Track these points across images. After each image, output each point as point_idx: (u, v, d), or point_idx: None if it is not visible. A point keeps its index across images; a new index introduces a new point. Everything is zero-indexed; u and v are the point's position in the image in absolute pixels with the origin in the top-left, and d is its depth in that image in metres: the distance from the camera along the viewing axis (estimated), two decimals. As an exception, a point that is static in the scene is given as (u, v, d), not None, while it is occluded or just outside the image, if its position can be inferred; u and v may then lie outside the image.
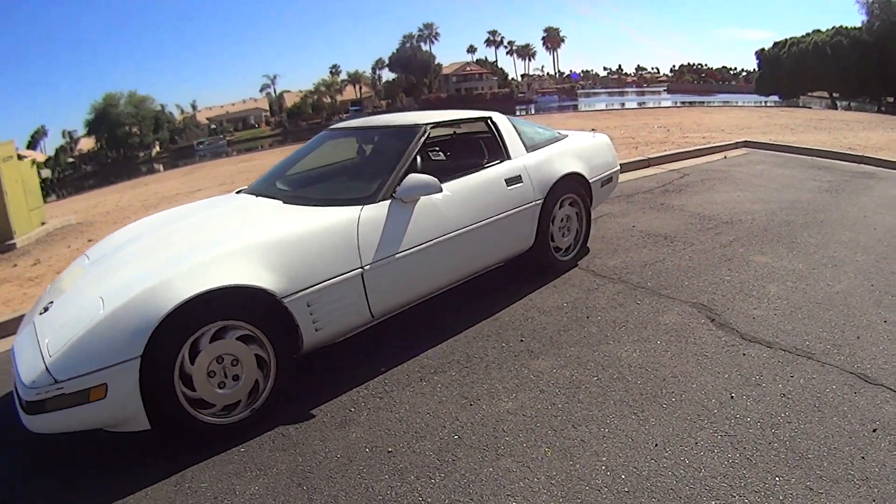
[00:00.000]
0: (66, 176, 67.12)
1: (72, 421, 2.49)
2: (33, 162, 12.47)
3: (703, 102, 43.94)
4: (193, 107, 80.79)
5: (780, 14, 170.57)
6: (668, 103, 50.89)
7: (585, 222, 4.93)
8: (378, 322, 3.50)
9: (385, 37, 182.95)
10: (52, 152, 74.27)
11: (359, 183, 3.89)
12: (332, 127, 4.94)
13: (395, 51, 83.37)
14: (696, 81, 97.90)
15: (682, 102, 48.14)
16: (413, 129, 3.99)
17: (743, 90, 68.03)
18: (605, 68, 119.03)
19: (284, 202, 3.66)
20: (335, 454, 2.67)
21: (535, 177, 4.38)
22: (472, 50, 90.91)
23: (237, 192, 4.29)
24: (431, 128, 4.08)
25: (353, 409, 3.03)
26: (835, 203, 6.44)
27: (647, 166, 9.36)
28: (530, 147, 4.58)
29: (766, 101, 44.73)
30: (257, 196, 3.94)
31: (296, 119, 77.40)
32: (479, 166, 4.20)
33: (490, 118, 4.58)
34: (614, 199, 7.10)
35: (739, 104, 37.53)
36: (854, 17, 67.18)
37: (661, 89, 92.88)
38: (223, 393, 2.76)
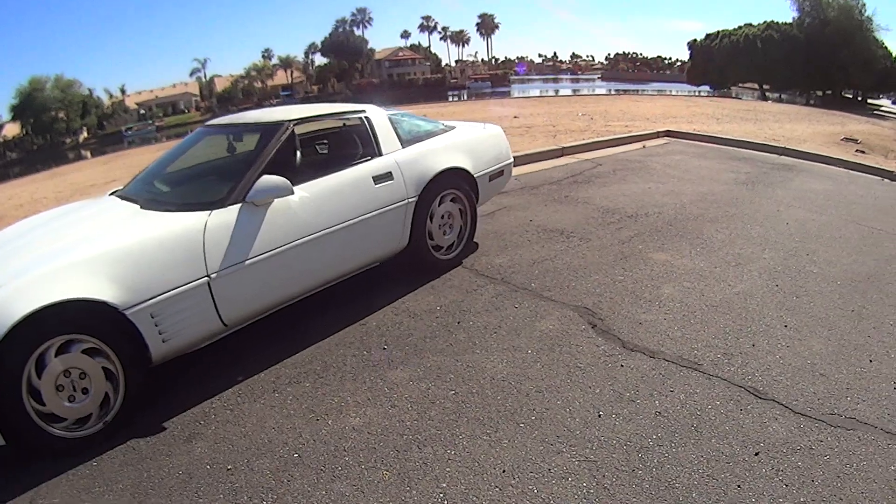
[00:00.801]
0: None
1: None
2: None
3: (636, 91, 45.05)
4: (122, 91, 78.33)
5: (714, 7, 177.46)
6: (602, 91, 51.93)
7: (470, 219, 4.64)
8: (238, 329, 3.39)
9: (318, 21, 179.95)
10: None
11: (213, 185, 3.72)
12: (207, 123, 4.59)
13: (327, 35, 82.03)
14: (631, 70, 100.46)
15: (616, 90, 49.25)
16: (274, 127, 3.78)
17: (677, 79, 70.17)
18: (539, 55, 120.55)
19: (142, 206, 3.49)
20: (177, 470, 2.57)
21: (409, 173, 4.13)
22: (405, 35, 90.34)
23: (110, 194, 4.07)
24: (295, 125, 3.85)
25: (202, 422, 2.91)
26: (749, 196, 6.41)
27: (561, 156, 9.22)
28: (407, 142, 4.31)
29: (698, 91, 46.39)
30: (122, 199, 3.78)
31: (226, 104, 74.93)
32: (346, 164, 3.96)
33: (363, 112, 4.29)
34: (516, 191, 6.90)
35: (673, 93, 38.68)
36: (785, 14, 70.73)
37: (596, 77, 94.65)
38: (73, 406, 2.73)
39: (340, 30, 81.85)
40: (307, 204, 3.56)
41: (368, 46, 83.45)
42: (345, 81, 78.86)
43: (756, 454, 2.33)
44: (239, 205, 3.30)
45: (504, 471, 2.32)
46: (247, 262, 3.22)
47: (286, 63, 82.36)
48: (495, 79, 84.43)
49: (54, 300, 2.58)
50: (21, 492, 2.55)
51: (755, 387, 2.77)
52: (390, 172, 4.04)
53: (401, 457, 2.48)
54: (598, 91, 51.62)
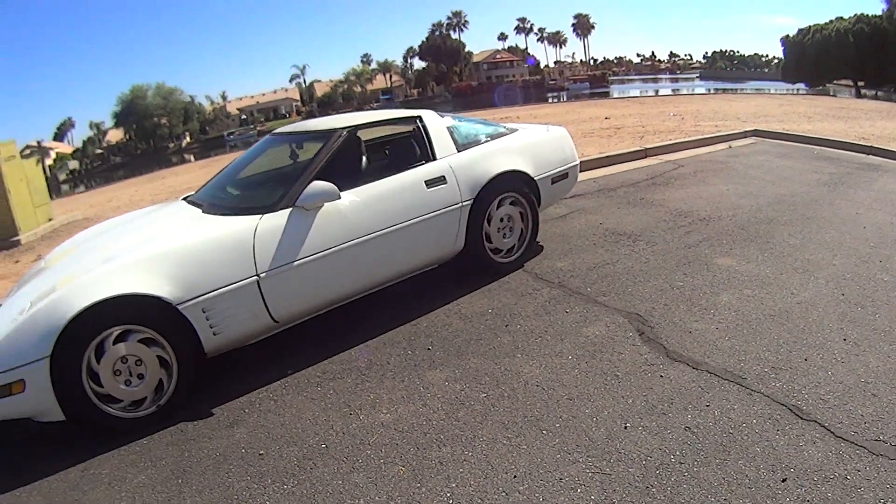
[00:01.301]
0: (95, 167, 68.13)
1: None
2: (38, 161, 12.73)
3: (734, 90, 42.53)
4: (223, 97, 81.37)
5: (808, 1, 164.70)
6: (702, 90, 49.40)
7: (531, 222, 4.49)
8: (293, 325, 3.51)
9: (415, 26, 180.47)
10: (79, 144, 75.21)
11: (268, 191, 3.80)
12: (274, 131, 4.70)
13: (424, 39, 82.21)
14: (728, 68, 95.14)
15: (716, 89, 46.74)
16: (327, 135, 3.83)
17: (774, 78, 65.79)
18: (637, 55, 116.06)
19: (203, 210, 3.67)
20: (215, 452, 2.69)
21: (464, 177, 4.05)
22: (502, 37, 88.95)
23: (182, 198, 4.27)
24: (348, 132, 3.87)
25: (247, 410, 3.01)
26: (829, 198, 5.85)
27: (644, 157, 8.81)
28: (464, 146, 4.24)
29: (795, 89, 43.16)
30: (189, 203, 3.97)
31: (326, 109, 76.18)
32: (400, 168, 3.93)
33: (419, 118, 4.23)
34: (593, 194, 6.64)
35: (771, 92, 36.28)
36: (875, 6, 64.58)
37: (695, 76, 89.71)
38: (129, 390, 2.90)
39: (437, 34, 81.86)
40: (357, 208, 3.58)
41: (466, 49, 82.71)
42: (443, 84, 78.78)
43: (783, 480, 2.09)
44: (289, 209, 3.37)
45: (515, 476, 2.24)
46: (295, 263, 3.29)
47: (385, 67, 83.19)
48: (594, 79, 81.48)
49: (113, 294, 2.77)
50: (74, 463, 2.74)
51: (798, 405, 2.50)
52: (443, 176, 3.98)
53: (419, 454, 2.46)
54: (697, 90, 48.97)
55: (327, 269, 3.42)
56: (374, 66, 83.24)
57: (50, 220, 11.12)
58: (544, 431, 2.48)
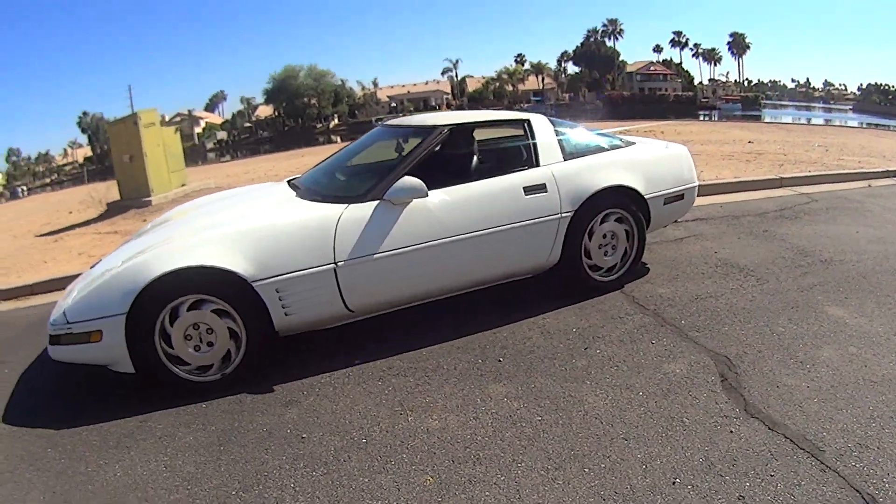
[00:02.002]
0: (243, 139, 71.58)
1: (77, 355, 2.91)
2: (177, 129, 13.32)
3: (887, 126, 37.19)
4: (375, 84, 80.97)
5: None
6: (854, 123, 43.94)
7: (637, 241, 4.08)
8: (370, 317, 3.45)
9: (570, 29, 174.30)
10: (229, 116, 79.08)
11: (361, 182, 3.67)
12: (384, 124, 4.65)
13: (579, 45, 78.87)
14: (882, 103, 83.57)
15: (867, 124, 41.25)
16: (427, 131, 3.68)
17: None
18: (792, 80, 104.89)
19: (297, 195, 3.64)
20: (262, 428, 2.71)
21: (567, 187, 3.72)
22: (657, 49, 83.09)
23: (286, 181, 4.30)
24: (450, 130, 3.71)
25: (305, 392, 3.01)
26: (977, 253, 4.93)
27: (779, 186, 7.92)
28: (571, 155, 3.90)
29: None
30: (290, 186, 3.98)
31: (476, 104, 74.68)
32: (499, 171, 3.70)
33: (528, 122, 3.97)
34: (716, 219, 6.05)
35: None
36: None
37: (848, 108, 79.82)
38: (197, 355, 2.97)
39: (591, 40, 78.10)
40: (447, 207, 3.40)
41: (619, 58, 78.35)
42: (595, 91, 75.33)
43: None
44: (376, 202, 3.26)
45: None
46: (375, 255, 3.17)
47: (538, 69, 79.71)
48: (746, 101, 74.60)
49: (190, 265, 2.83)
50: (136, 414, 2.90)
51: (873, 494, 2.06)
52: (544, 185, 3.68)
53: (452, 468, 2.32)
54: (849, 123, 43.51)
55: (407, 266, 3.28)
56: (526, 66, 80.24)
57: (183, 185, 11.72)
58: (586, 469, 2.25)
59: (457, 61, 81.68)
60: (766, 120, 39.34)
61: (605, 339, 3.36)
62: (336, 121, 73.13)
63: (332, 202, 3.31)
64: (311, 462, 2.44)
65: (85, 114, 72.06)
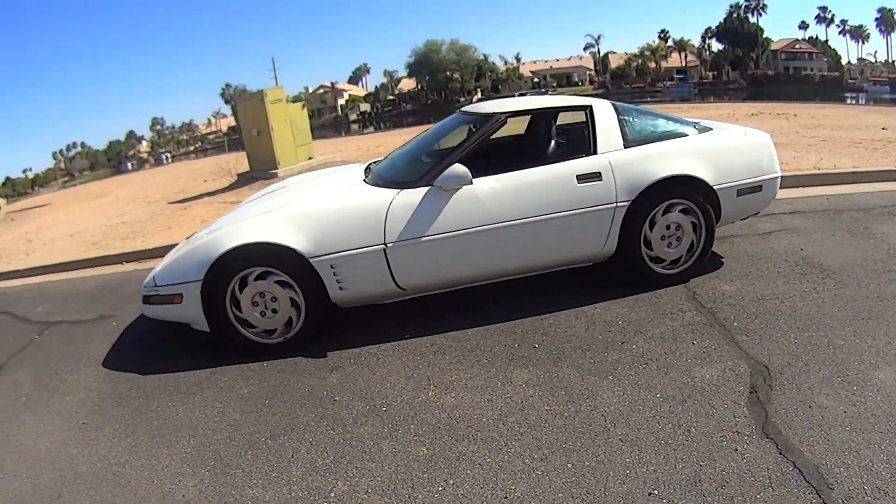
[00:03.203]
0: (386, 111, 72.77)
1: (163, 313, 3.43)
2: (303, 105, 13.83)
3: None
4: (517, 59, 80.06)
5: None
6: None
7: (705, 235, 3.82)
8: (426, 295, 3.65)
9: (714, 4, 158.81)
10: (371, 89, 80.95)
11: (419, 168, 3.77)
12: (461, 110, 4.61)
13: (721, 21, 71.48)
14: None
15: None
16: (485, 119, 3.74)
17: None
18: None
19: (364, 179, 3.90)
20: (305, 388, 3.03)
21: (624, 175, 3.57)
22: (803, 26, 72.21)
23: (367, 164, 4.46)
24: (508, 117, 3.72)
25: (351, 360, 3.30)
26: None
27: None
28: (634, 142, 3.72)
29: None
30: (364, 170, 4.20)
31: (619, 81, 72.19)
32: (555, 159, 3.65)
33: (590, 108, 3.81)
34: (815, 213, 5.45)
35: None
36: None
37: None
38: (263, 319, 3.37)
39: (734, 16, 70.41)
40: (496, 194, 3.45)
41: (763, 35, 70.16)
42: (739, 70, 68.63)
43: None
44: (426, 188, 3.41)
45: (507, 497, 2.14)
46: (423, 238, 3.33)
47: (680, 46, 74.67)
48: (894, 84, 64.30)
49: (256, 241, 3.19)
50: (208, 366, 3.36)
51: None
52: (599, 173, 3.57)
53: (448, 444, 2.48)
54: None
55: (455, 250, 3.40)
56: (669, 43, 75.27)
57: (310, 158, 12.15)
58: (569, 465, 2.28)
59: (599, 37, 78.91)
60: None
61: (647, 334, 3.26)
62: (479, 95, 72.97)
63: (389, 187, 3.50)
64: (333, 422, 2.73)
65: (228, 85, 78.55)
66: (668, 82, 66.59)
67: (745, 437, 2.39)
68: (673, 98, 45.21)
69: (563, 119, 4.30)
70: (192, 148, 77.22)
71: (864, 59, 75.05)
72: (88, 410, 3.15)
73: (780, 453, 2.29)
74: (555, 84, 74.51)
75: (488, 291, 3.86)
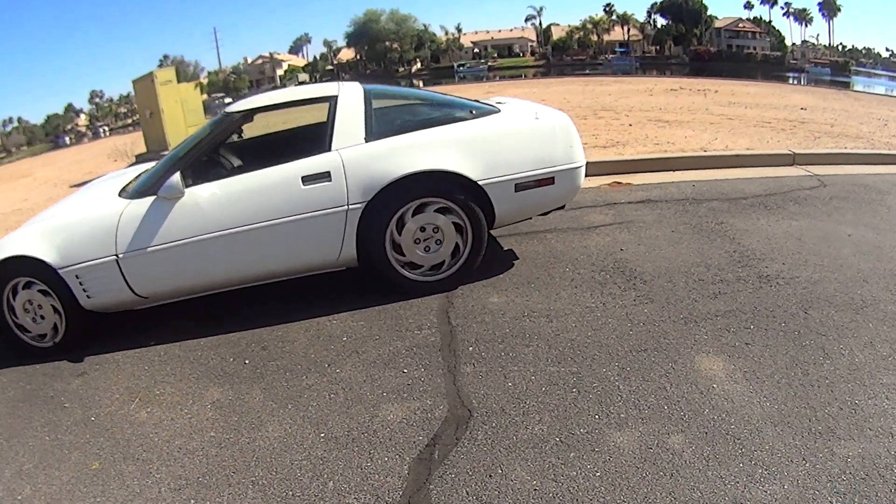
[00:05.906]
0: (324, 81, 71.51)
1: None
2: (197, 84, 14.25)
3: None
4: (458, 30, 77.12)
5: None
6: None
7: (472, 237, 3.38)
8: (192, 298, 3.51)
9: None
10: (311, 59, 77.71)
11: (155, 177, 3.50)
12: (224, 111, 4.08)
13: None
14: None
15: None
16: (220, 119, 3.60)
17: None
18: (887, 49, 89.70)
19: (119, 189, 3.70)
20: (50, 392, 3.00)
21: (357, 174, 3.20)
22: (748, 6, 71.52)
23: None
24: (242, 115, 3.53)
25: (96, 365, 3.25)
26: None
27: (791, 164, 6.42)
28: (381, 133, 3.33)
29: None
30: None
31: (560, 53, 70.58)
32: (287, 158, 3.30)
33: (335, 98, 3.43)
34: (668, 203, 4.88)
35: None
36: None
37: None
38: (35, 325, 3.34)
39: None
40: (217, 201, 3.22)
41: (707, 13, 69.23)
42: (682, 46, 68.07)
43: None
44: (152, 198, 3.26)
45: None
46: (149, 249, 3.21)
47: (624, 20, 72.37)
48: (835, 67, 65.38)
49: (14, 254, 3.19)
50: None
51: None
52: (328, 172, 3.20)
53: (116, 461, 2.37)
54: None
55: (182, 258, 3.23)
56: (614, 17, 73.07)
57: None
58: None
59: (541, 9, 76.49)
60: (857, 88, 34.18)
61: (363, 356, 2.94)
62: (418, 65, 71.44)
63: (132, 198, 3.35)
64: (52, 428, 2.70)
65: (166, 56, 73.60)
66: (610, 55, 65.60)
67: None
68: (615, 71, 45.17)
69: (307, 112, 3.80)
70: (129, 121, 73.89)
71: (808, 42, 76.08)
72: None
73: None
74: (496, 55, 72.78)
75: (241, 296, 3.65)
